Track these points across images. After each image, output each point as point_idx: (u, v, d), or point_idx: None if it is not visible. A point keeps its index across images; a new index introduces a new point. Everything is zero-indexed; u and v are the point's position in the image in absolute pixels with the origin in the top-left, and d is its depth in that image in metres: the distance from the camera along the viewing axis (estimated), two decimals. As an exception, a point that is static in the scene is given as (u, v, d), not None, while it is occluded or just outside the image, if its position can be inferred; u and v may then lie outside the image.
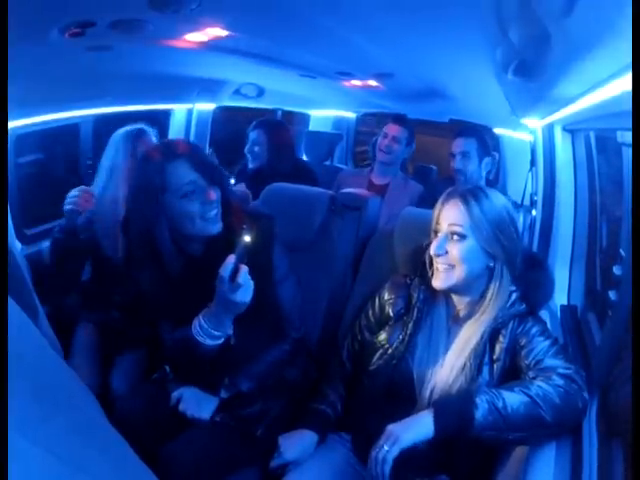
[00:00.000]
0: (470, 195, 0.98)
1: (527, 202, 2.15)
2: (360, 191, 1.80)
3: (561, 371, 0.92)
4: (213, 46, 1.43)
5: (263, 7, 1.08)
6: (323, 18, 1.12)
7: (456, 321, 1.04)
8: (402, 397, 1.03)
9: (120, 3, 1.05)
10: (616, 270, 1.09)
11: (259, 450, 1.11)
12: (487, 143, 2.11)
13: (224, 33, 1.30)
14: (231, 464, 1.10)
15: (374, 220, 1.66)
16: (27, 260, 1.57)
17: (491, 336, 0.99)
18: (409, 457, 0.98)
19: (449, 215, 0.98)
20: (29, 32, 1.05)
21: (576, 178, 1.58)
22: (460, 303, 1.04)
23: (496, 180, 2.80)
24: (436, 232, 1.01)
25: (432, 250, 0.99)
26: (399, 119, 2.30)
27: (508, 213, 0.99)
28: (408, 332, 1.04)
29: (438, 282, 1.00)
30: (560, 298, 1.51)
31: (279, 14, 1.12)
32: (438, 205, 1.02)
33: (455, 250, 0.96)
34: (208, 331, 1.00)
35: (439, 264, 0.99)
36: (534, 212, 1.96)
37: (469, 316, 1.02)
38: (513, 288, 1.00)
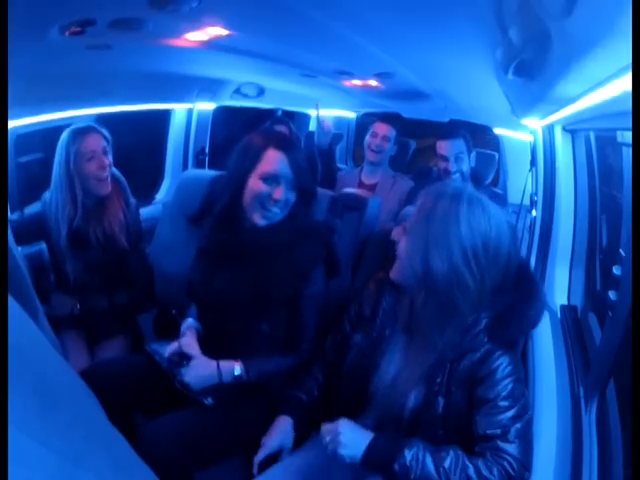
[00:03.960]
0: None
1: (527, 202, 2.16)
2: (360, 191, 1.81)
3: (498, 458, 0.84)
4: (213, 45, 1.43)
5: (263, 6, 1.08)
6: (323, 18, 1.12)
7: (413, 339, 0.98)
8: (363, 400, 1.01)
9: (120, 2, 1.05)
10: (616, 270, 1.09)
11: (247, 437, 1.11)
12: (469, 139, 2.17)
13: (224, 32, 1.30)
14: (218, 450, 1.10)
15: (374, 220, 1.65)
16: (27, 260, 1.58)
17: (447, 365, 0.92)
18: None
19: None
20: (29, 31, 1.05)
21: (576, 178, 1.58)
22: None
23: (496, 180, 2.80)
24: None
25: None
26: (387, 118, 2.36)
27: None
28: (375, 335, 1.02)
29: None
30: (560, 298, 1.51)
31: (279, 13, 1.12)
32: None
33: None
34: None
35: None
36: (534, 212, 1.96)
37: (427, 339, 0.95)
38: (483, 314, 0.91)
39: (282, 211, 1.13)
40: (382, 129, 2.26)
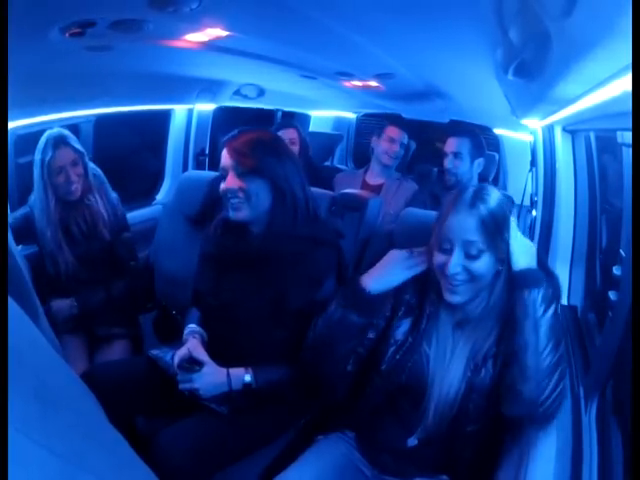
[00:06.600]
0: (480, 202, 0.92)
1: (527, 202, 2.16)
2: (361, 192, 1.80)
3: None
4: (213, 46, 1.43)
5: (263, 7, 1.08)
6: (323, 18, 1.12)
7: (460, 325, 1.00)
8: (412, 395, 1.01)
9: (120, 3, 1.05)
10: (616, 270, 1.09)
11: (262, 444, 1.12)
12: (481, 144, 2.09)
13: (224, 33, 1.30)
14: (232, 457, 1.09)
15: (374, 221, 1.65)
16: (27, 260, 1.58)
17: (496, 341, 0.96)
18: (410, 456, 0.98)
19: (462, 228, 0.92)
20: (29, 32, 1.05)
21: (576, 178, 1.58)
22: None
23: (496, 180, 2.81)
24: (443, 245, 0.95)
25: (447, 270, 0.93)
26: (399, 121, 2.35)
27: (507, 209, 0.97)
28: (422, 327, 1.01)
29: (458, 297, 0.95)
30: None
31: (279, 14, 1.12)
32: (445, 213, 0.96)
33: (474, 266, 0.92)
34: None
35: (454, 280, 0.94)
36: (534, 212, 1.96)
37: (474, 319, 0.99)
38: None
39: (243, 203, 1.08)
40: (396, 133, 2.25)
